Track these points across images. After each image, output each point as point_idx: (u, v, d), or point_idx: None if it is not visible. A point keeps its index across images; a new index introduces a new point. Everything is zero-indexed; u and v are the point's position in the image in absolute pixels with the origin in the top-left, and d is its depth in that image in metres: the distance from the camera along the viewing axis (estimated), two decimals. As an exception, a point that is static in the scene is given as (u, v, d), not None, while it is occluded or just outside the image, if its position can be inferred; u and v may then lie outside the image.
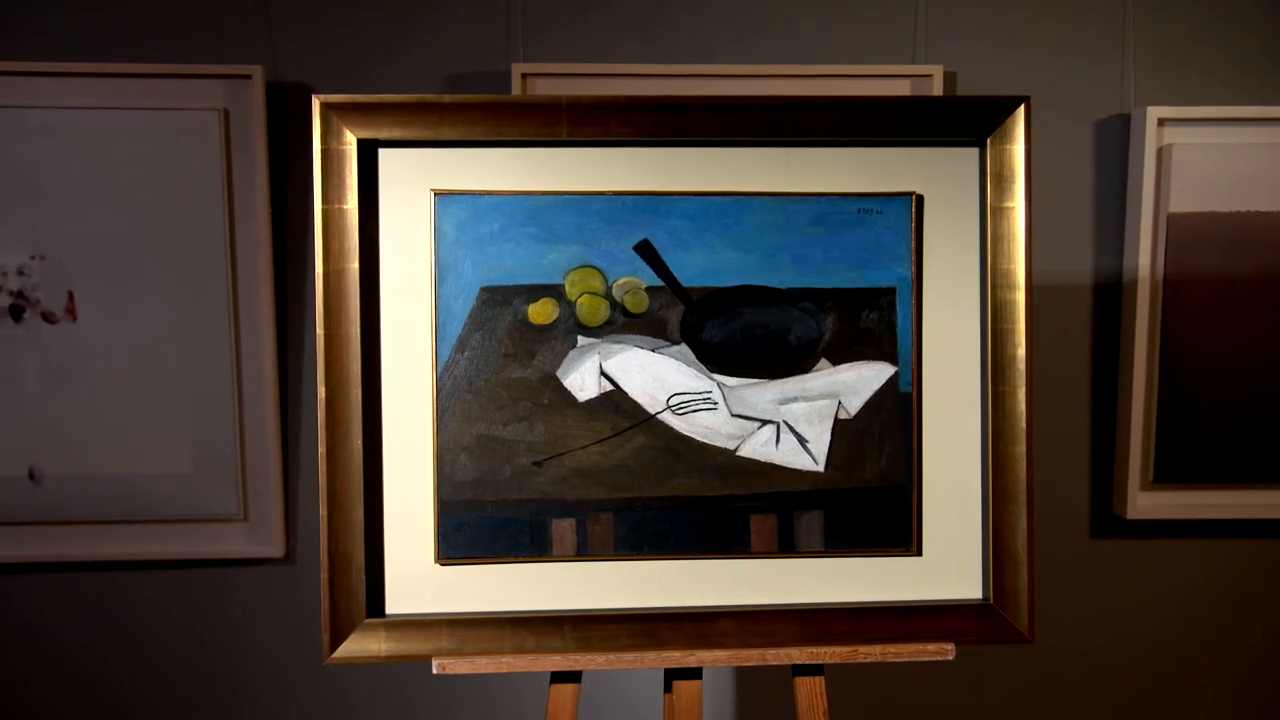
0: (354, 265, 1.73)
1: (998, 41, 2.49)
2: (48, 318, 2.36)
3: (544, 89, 2.39)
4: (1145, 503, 2.55)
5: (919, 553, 1.84)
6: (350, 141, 1.72)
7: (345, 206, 1.72)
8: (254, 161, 2.35)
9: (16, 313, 2.36)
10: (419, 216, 1.77)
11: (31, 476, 2.40)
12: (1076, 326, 2.57)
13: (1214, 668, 2.70)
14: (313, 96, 1.73)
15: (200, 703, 2.56)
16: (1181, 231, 2.47)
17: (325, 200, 1.72)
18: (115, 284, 2.37)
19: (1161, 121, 2.46)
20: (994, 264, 1.80)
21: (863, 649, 1.80)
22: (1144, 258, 2.47)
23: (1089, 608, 2.65)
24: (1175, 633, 2.67)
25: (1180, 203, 2.46)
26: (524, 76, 2.38)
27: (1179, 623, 2.67)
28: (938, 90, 2.41)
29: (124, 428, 2.40)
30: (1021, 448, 1.81)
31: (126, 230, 2.35)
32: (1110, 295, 2.55)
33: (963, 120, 1.80)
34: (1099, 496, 2.62)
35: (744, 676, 2.63)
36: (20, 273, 2.35)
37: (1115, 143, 2.52)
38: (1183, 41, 2.50)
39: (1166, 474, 2.54)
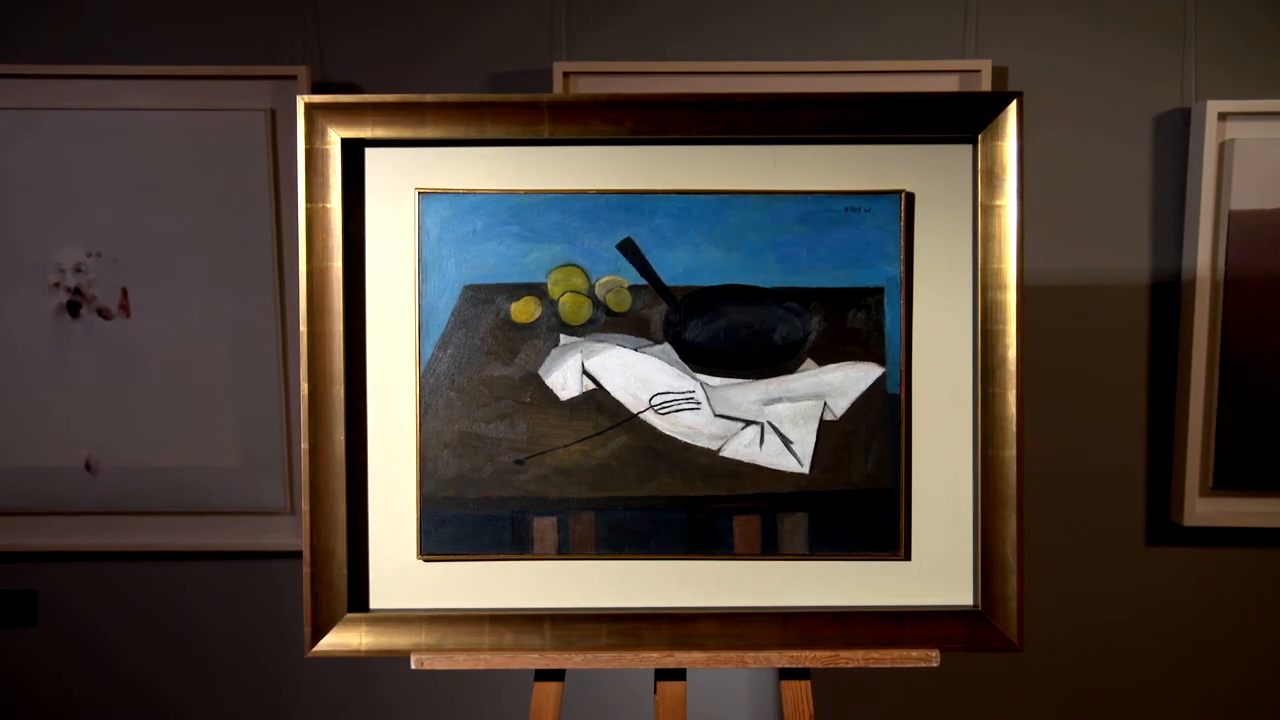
0: (336, 264, 1.75)
1: (1052, 35, 2.43)
2: (103, 314, 2.44)
3: (586, 87, 2.39)
4: (1204, 509, 2.47)
5: (907, 557, 1.81)
6: (333, 141, 1.75)
7: (328, 205, 1.75)
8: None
9: (74, 309, 2.44)
10: (403, 215, 1.78)
11: (88, 467, 2.48)
12: (1133, 327, 2.50)
13: (1276, 680, 2.60)
14: (298, 97, 1.75)
15: (247, 692, 2.62)
16: (1243, 229, 2.39)
17: (309, 199, 1.75)
18: (167, 281, 2.44)
19: (1223, 116, 2.38)
20: (984, 263, 1.77)
21: (844, 654, 1.77)
22: (1204, 256, 2.40)
23: (1143, 617, 2.57)
24: (1233, 644, 2.58)
25: (1242, 199, 2.38)
26: (565, 75, 2.39)
27: (1238, 634, 2.58)
28: (986, 86, 2.36)
29: (175, 421, 2.47)
30: (1011, 451, 1.77)
31: (177, 228, 2.42)
32: (1169, 295, 2.48)
33: (954, 117, 1.77)
34: (1155, 503, 2.54)
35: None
36: (77, 270, 2.43)
37: (1175, 138, 2.45)
38: (1245, 33, 2.42)
39: (1226, 480, 2.46)
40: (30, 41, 2.43)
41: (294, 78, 2.38)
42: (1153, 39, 2.43)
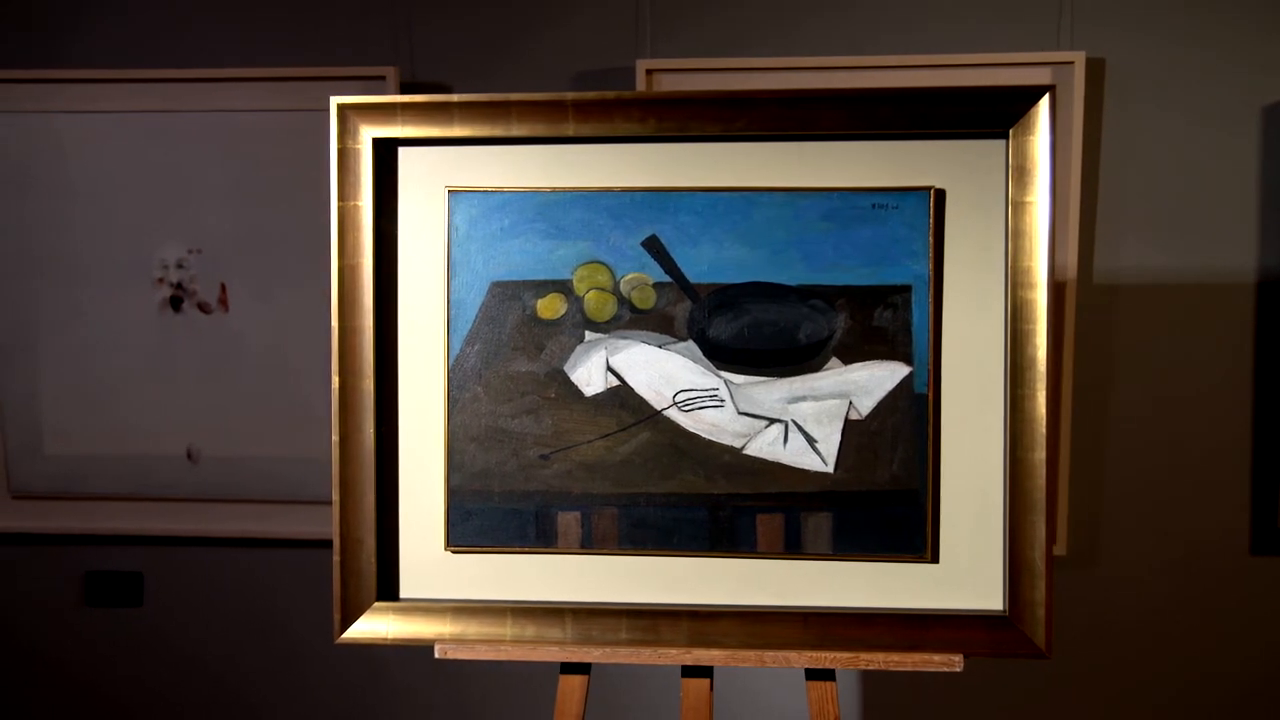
0: (367, 260, 1.79)
1: (1152, 22, 2.36)
2: (203, 308, 2.53)
3: (669, 84, 2.40)
4: (1311, 518, 2.38)
5: (934, 560, 1.78)
6: (364, 140, 1.78)
7: (359, 203, 1.78)
8: (388, 158, 2.46)
9: (176, 303, 2.53)
10: (434, 213, 1.82)
11: (189, 456, 2.57)
12: (1238, 327, 2.41)
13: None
14: (330, 98, 1.79)
15: (335, 676, 2.69)
16: (1357, 224, 2.30)
17: (341, 197, 1.79)
18: (262, 276, 2.53)
19: (1337, 105, 2.29)
20: (1014, 261, 1.72)
21: (864, 655, 1.75)
22: (1314, 252, 2.31)
23: (1246, 626, 2.48)
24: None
25: (1357, 193, 2.29)
26: (648, 73, 2.40)
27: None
28: (1079, 78, 2.30)
29: (270, 413, 2.56)
30: (1040, 454, 1.72)
31: (272, 225, 2.51)
32: (1277, 293, 2.38)
33: (986, 112, 1.73)
34: (1261, 511, 2.45)
35: (869, 676, 2.57)
36: (179, 266, 2.53)
37: (1285, 129, 2.36)
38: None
39: (1335, 487, 2.36)
40: (131, 48, 2.53)
41: (383, 78, 2.44)
42: (1261, 23, 2.34)
